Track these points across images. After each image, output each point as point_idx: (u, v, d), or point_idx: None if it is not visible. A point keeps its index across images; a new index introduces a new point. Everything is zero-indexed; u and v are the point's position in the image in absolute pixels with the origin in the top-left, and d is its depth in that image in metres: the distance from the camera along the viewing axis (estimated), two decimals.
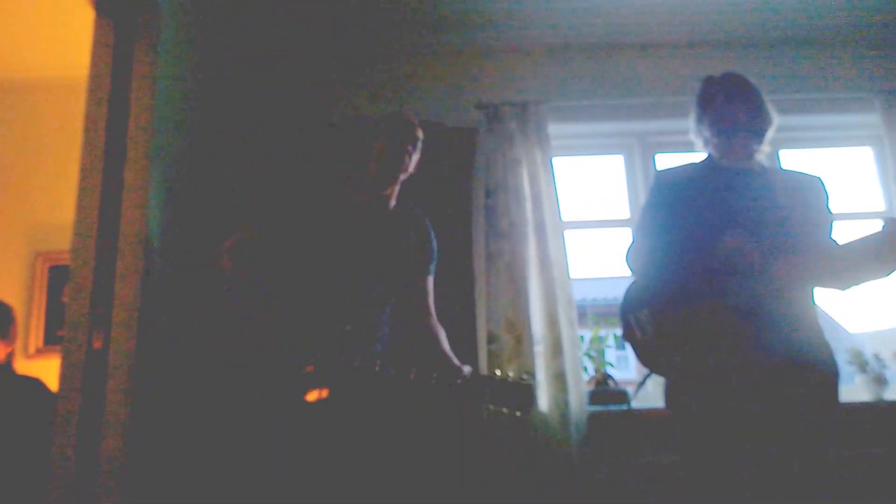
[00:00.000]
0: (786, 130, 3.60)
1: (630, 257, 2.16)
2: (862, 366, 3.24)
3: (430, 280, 2.25)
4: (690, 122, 2.23)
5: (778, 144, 3.61)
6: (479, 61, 3.58)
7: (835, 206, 2.06)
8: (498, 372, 1.87)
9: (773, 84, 3.49)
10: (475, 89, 3.47)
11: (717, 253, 1.90)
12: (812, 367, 1.87)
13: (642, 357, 2.04)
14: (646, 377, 2.13)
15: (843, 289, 1.97)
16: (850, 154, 3.72)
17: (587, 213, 3.61)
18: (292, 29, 3.54)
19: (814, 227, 1.98)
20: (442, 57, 3.59)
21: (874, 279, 1.88)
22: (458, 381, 1.84)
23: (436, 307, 2.91)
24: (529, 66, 3.58)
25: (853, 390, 3.25)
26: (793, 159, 3.62)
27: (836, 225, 2.05)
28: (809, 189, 2.07)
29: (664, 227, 2.08)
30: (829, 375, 1.89)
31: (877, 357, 3.23)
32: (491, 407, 1.81)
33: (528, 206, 3.23)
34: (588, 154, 3.73)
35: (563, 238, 3.22)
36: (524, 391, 1.81)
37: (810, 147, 3.69)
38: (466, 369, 1.90)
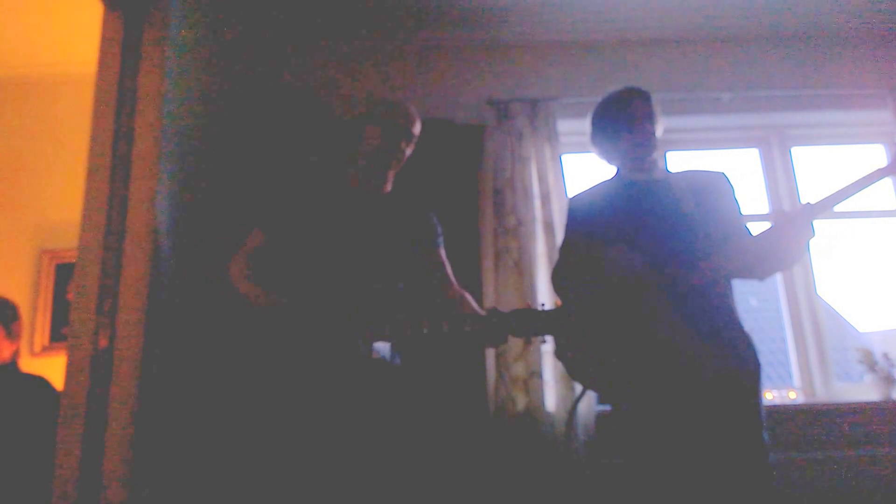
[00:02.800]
0: (797, 127, 3.61)
1: (554, 280, 2.25)
2: (871, 365, 3.24)
3: (442, 251, 2.25)
4: (592, 141, 2.32)
5: (789, 141, 3.61)
6: (489, 58, 3.57)
7: (741, 198, 2.14)
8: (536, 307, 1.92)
9: (785, 80, 3.50)
10: (484, 86, 3.46)
11: (609, 268, 2.01)
12: (732, 364, 1.92)
13: (574, 375, 2.12)
14: (581, 394, 2.21)
15: (761, 279, 2.09)
16: (861, 151, 3.70)
17: None
18: (300, 25, 3.52)
19: (723, 223, 2.04)
20: (451, 53, 3.58)
21: (782, 269, 2.09)
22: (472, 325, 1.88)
23: None
24: (539, 63, 3.56)
25: (862, 389, 3.26)
26: (804, 156, 3.61)
27: (745, 217, 2.14)
28: (714, 186, 2.14)
29: (580, 251, 2.17)
30: (749, 371, 1.94)
31: (886, 356, 3.23)
32: (528, 339, 1.88)
33: (537, 203, 3.21)
34: None
35: None
36: (549, 316, 1.85)
37: (822, 144, 3.67)
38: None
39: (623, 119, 2.18)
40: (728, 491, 1.83)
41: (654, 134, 2.18)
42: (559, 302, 2.27)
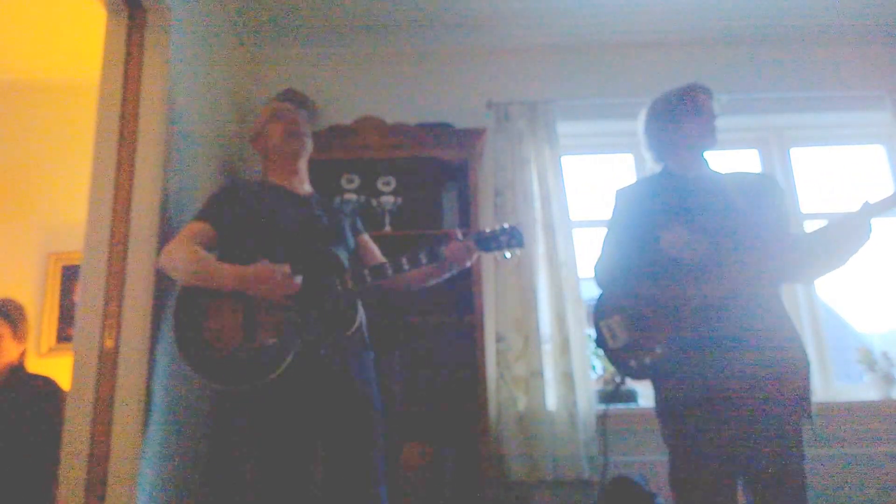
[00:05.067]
0: (797, 128, 3.62)
1: (597, 272, 2.23)
2: (871, 364, 3.24)
3: (366, 237, 2.40)
4: (646, 133, 2.28)
5: (789, 142, 3.61)
6: (488, 61, 3.59)
7: (787, 204, 2.12)
8: (487, 228, 2.09)
9: (784, 81, 3.51)
10: (484, 89, 3.48)
11: (662, 250, 1.98)
12: (785, 361, 1.90)
13: (615, 363, 2.11)
14: (620, 382, 2.21)
15: (809, 282, 2.03)
16: (861, 152, 3.70)
17: (596, 212, 3.59)
18: (300, 29, 3.54)
19: (771, 225, 2.02)
20: (450, 57, 3.60)
21: (834, 269, 1.98)
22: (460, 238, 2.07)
23: (440, 306, 2.93)
24: (538, 66, 3.58)
25: (862, 389, 3.26)
26: (803, 157, 3.61)
27: (792, 220, 2.14)
28: (763, 189, 2.11)
29: (626, 242, 2.14)
30: (801, 367, 1.93)
31: (885, 356, 3.23)
32: (496, 253, 2.08)
33: (538, 205, 3.23)
34: (597, 153, 3.72)
35: (572, 237, 3.22)
36: (513, 231, 2.07)
37: (821, 145, 3.68)
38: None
39: (688, 110, 2.16)
40: (766, 485, 1.83)
41: (709, 132, 2.16)
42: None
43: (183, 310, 2.04)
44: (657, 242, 2.00)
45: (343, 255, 2.15)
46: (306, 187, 2.33)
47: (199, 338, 1.99)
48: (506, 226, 2.10)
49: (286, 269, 1.96)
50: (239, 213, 2.15)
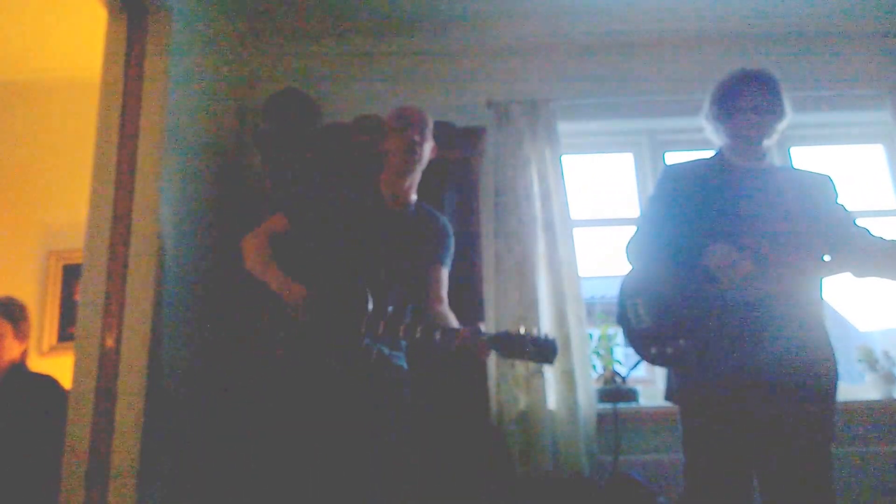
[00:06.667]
0: (796, 128, 3.57)
1: (630, 248, 2.16)
2: (872, 364, 3.23)
3: (442, 269, 2.22)
4: (706, 116, 2.20)
5: (789, 142, 3.60)
6: (488, 60, 3.59)
7: (845, 202, 2.05)
8: (522, 329, 1.83)
9: (784, 81, 3.49)
10: (484, 88, 3.47)
11: (704, 263, 1.90)
12: (812, 370, 1.87)
13: (634, 344, 2.07)
14: (635, 364, 2.16)
15: (860, 277, 1.96)
16: (861, 151, 3.70)
17: (596, 212, 3.60)
18: (300, 29, 3.55)
19: (825, 225, 1.96)
20: (451, 56, 3.60)
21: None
22: (481, 336, 1.84)
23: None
24: (539, 65, 3.58)
25: (863, 389, 3.25)
26: (803, 156, 3.61)
27: (854, 216, 2.03)
28: (818, 188, 2.06)
29: (667, 223, 2.08)
30: (828, 378, 1.90)
31: (886, 355, 3.23)
32: (516, 362, 1.81)
33: (538, 204, 3.23)
34: (597, 152, 3.73)
35: (573, 236, 3.22)
36: (545, 344, 1.79)
37: (821, 144, 3.67)
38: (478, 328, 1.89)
39: (728, 106, 2.09)
40: (777, 487, 1.83)
41: (758, 124, 2.06)
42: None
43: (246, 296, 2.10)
44: (698, 240, 1.95)
45: (383, 290, 2.06)
46: (409, 198, 2.22)
47: (251, 326, 2.04)
48: (539, 335, 1.80)
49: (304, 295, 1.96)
50: (315, 214, 2.16)
